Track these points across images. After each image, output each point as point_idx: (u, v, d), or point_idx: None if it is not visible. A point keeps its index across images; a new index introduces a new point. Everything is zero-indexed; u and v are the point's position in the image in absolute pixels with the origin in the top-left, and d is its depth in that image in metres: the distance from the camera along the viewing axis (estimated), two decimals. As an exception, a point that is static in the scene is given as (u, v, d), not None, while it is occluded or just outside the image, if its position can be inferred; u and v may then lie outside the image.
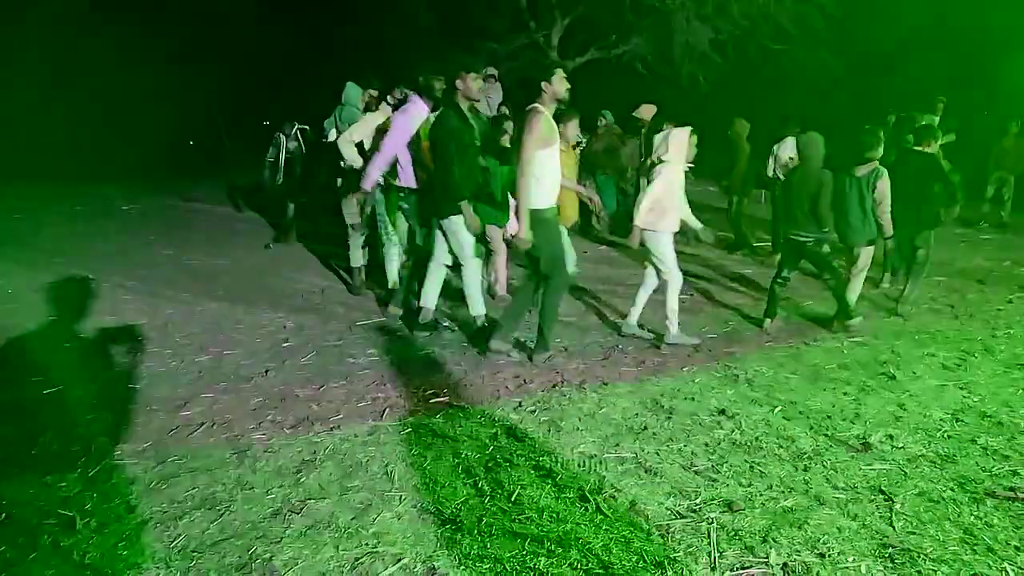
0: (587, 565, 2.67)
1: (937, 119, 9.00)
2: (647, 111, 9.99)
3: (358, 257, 6.93)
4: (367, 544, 2.82)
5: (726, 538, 2.85)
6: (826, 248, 5.65)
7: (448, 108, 5.10)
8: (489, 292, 6.39)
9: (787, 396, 4.38)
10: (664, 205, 5.26)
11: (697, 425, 3.96)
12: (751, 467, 3.46)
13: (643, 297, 5.60)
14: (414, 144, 5.57)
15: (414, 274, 5.89)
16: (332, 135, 7.23)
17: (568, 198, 5.54)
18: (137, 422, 3.96)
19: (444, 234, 5.33)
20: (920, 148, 6.38)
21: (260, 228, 10.71)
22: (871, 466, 3.47)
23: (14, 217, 11.15)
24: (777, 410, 4.16)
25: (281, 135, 9.36)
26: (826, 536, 2.85)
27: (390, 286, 6.45)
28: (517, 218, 4.80)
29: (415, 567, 2.68)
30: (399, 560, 2.71)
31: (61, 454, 3.56)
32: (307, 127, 9.54)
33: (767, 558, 2.71)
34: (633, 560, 2.70)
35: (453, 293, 6.22)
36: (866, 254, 5.97)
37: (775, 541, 2.82)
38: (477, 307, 5.48)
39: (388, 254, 6.44)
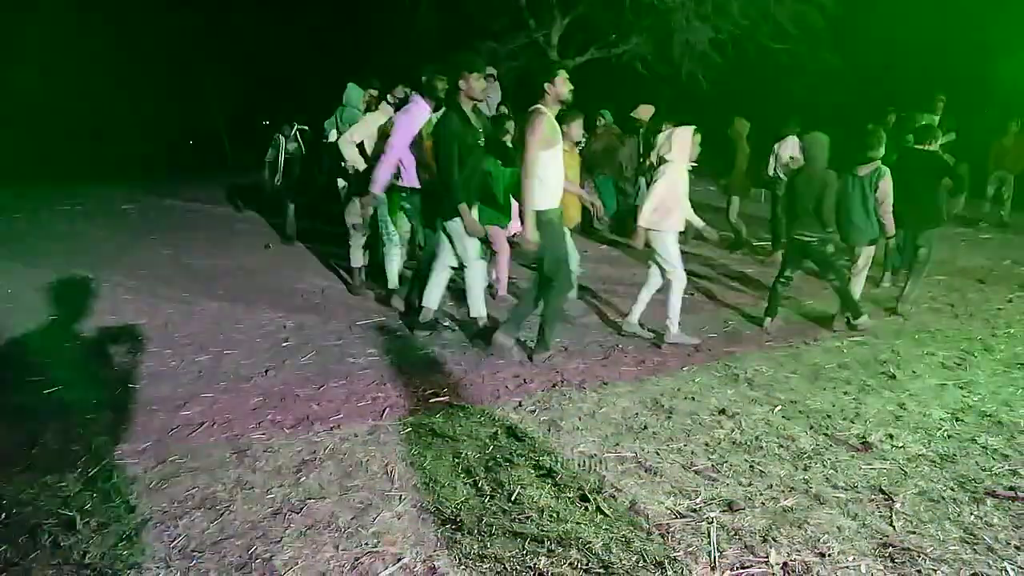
0: (587, 565, 2.67)
1: (937, 118, 9.00)
2: (645, 111, 9.99)
3: (358, 257, 6.93)
4: (367, 544, 2.81)
5: (726, 538, 2.85)
6: (831, 248, 5.64)
7: (450, 108, 5.09)
8: (489, 292, 6.39)
9: (787, 395, 4.38)
10: (668, 204, 5.26)
11: (697, 424, 3.96)
12: (751, 466, 3.46)
13: (645, 296, 5.60)
14: (416, 145, 5.57)
15: (417, 273, 5.89)
16: (332, 135, 7.23)
17: (571, 199, 5.53)
18: (137, 422, 3.96)
19: (448, 235, 5.32)
20: (921, 147, 6.38)
21: (260, 228, 10.71)
22: (871, 465, 3.47)
23: (14, 217, 11.15)
24: (777, 409, 4.16)
25: (280, 136, 9.37)
26: (826, 535, 2.85)
27: (390, 286, 6.46)
28: (522, 220, 4.80)
29: (415, 567, 2.68)
30: (399, 560, 2.71)
31: (61, 454, 3.56)
32: (306, 127, 9.55)
33: (767, 557, 2.71)
34: (633, 560, 2.70)
35: (454, 293, 6.23)
36: (866, 253, 5.97)
37: (775, 540, 2.82)
38: (478, 308, 5.47)
39: (389, 254, 6.44)
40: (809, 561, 2.69)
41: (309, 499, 3.15)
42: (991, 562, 2.69)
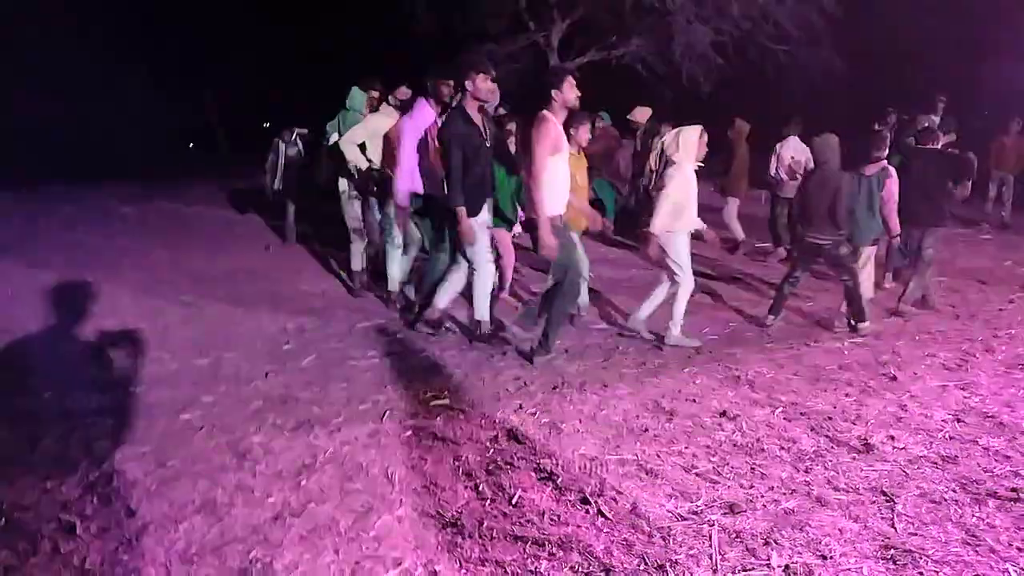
0: (588, 568, 2.66)
1: (938, 119, 9.00)
2: (641, 114, 10.00)
3: (359, 260, 6.93)
4: (368, 548, 2.81)
5: (727, 540, 2.84)
6: (844, 250, 5.64)
7: (455, 111, 5.08)
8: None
9: (788, 397, 4.37)
10: (679, 205, 5.25)
11: (698, 427, 3.95)
12: (752, 469, 3.45)
13: (659, 295, 5.57)
14: (421, 148, 5.57)
15: (422, 275, 5.88)
16: (334, 138, 7.23)
17: (580, 204, 5.52)
18: (137, 426, 3.95)
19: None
20: (925, 147, 6.40)
21: (260, 231, 10.71)
22: (872, 467, 3.46)
23: (13, 220, 11.14)
24: (778, 411, 4.15)
25: (280, 142, 9.37)
26: (828, 538, 2.84)
27: (390, 288, 6.45)
28: (525, 227, 4.80)
29: (416, 571, 2.68)
30: (400, 564, 2.71)
31: (61, 458, 3.56)
32: (306, 130, 9.56)
33: (769, 560, 2.71)
34: (635, 563, 2.69)
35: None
36: (868, 253, 5.97)
37: (777, 543, 2.81)
38: (482, 311, 5.42)
39: (390, 257, 6.43)
40: (811, 563, 2.68)
41: (310, 503, 3.14)
42: (993, 563, 2.68)
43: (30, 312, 5.84)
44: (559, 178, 4.74)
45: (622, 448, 3.67)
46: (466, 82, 4.94)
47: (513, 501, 3.13)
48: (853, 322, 5.69)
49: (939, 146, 6.60)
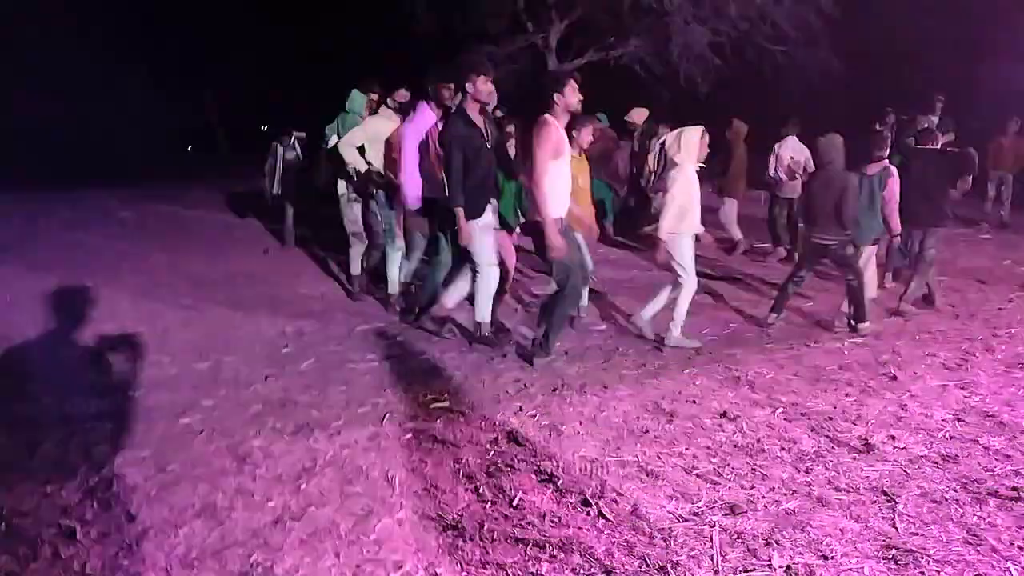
0: (590, 570, 2.66)
1: (936, 119, 9.01)
2: (638, 115, 9.99)
3: (358, 264, 6.93)
4: (368, 551, 2.80)
5: (728, 541, 2.84)
6: (850, 250, 5.64)
7: (456, 113, 5.09)
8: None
9: (788, 398, 4.37)
10: (684, 207, 5.24)
11: (698, 428, 3.95)
12: (753, 469, 3.45)
13: (664, 296, 5.57)
14: (422, 151, 5.58)
15: (426, 278, 5.88)
16: (333, 140, 7.22)
17: (583, 207, 5.52)
18: (137, 430, 3.95)
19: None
20: (925, 147, 6.41)
21: (258, 234, 10.71)
22: (873, 467, 3.46)
23: (12, 224, 11.13)
24: (779, 412, 4.15)
25: (278, 145, 9.37)
26: (829, 538, 2.84)
27: (390, 291, 6.45)
28: (525, 230, 4.80)
29: (417, 574, 2.67)
30: (400, 567, 2.70)
31: (61, 463, 3.55)
32: (304, 134, 9.55)
33: (770, 561, 2.70)
34: (636, 564, 2.69)
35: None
36: (868, 252, 5.97)
37: (778, 543, 2.81)
38: (483, 313, 5.39)
39: (390, 260, 6.43)
40: (812, 564, 2.68)
41: (310, 506, 3.14)
42: (994, 563, 2.68)
43: (29, 316, 5.84)
44: (560, 182, 4.74)
45: (623, 450, 3.67)
46: (467, 84, 4.94)
47: (514, 503, 3.13)
48: (853, 322, 5.69)
49: (938, 146, 6.61)
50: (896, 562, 2.68)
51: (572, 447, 3.70)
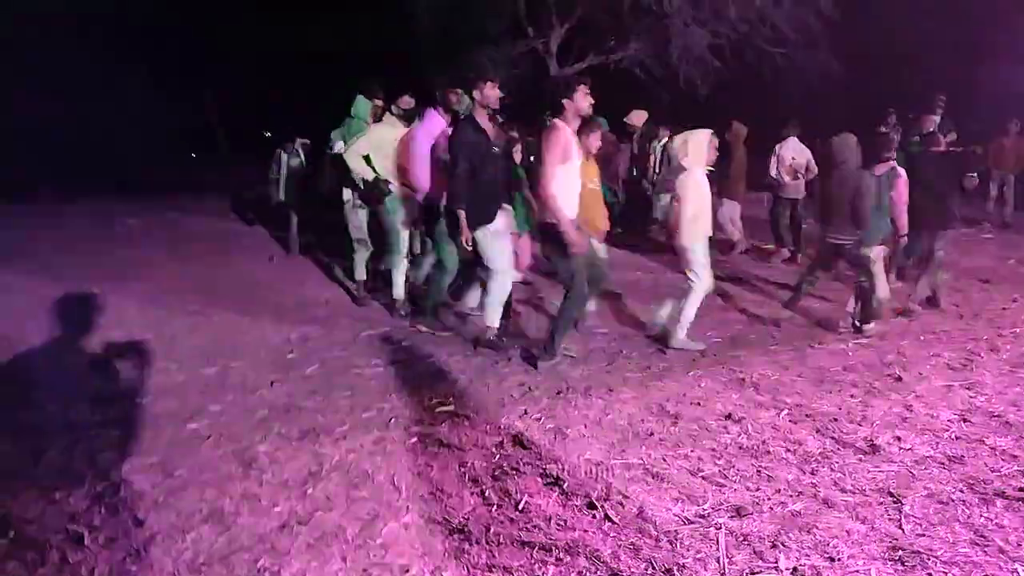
0: (596, 573, 2.66)
1: (938, 119, 9.01)
2: (638, 117, 10.00)
3: (362, 270, 6.93)
4: (375, 555, 2.81)
5: (735, 543, 2.84)
6: (865, 250, 5.64)
7: (465, 119, 5.11)
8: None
9: (793, 399, 4.37)
10: (696, 211, 5.25)
11: (703, 430, 3.95)
12: (758, 471, 3.45)
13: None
14: (431, 156, 5.61)
15: (431, 283, 5.89)
16: (338, 147, 7.23)
17: (596, 209, 5.52)
18: (143, 436, 3.96)
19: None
20: (929, 150, 6.43)
21: (263, 240, 10.73)
22: (879, 468, 3.46)
23: (17, 232, 11.17)
24: (784, 413, 4.15)
25: (282, 152, 9.40)
26: (835, 539, 2.84)
27: (395, 296, 6.46)
28: (538, 233, 4.84)
29: (423, 577, 2.68)
30: (407, 571, 2.71)
31: (68, 469, 3.56)
32: (308, 140, 9.58)
33: (776, 563, 2.70)
34: (642, 567, 2.69)
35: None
36: (875, 253, 5.97)
37: (784, 545, 2.81)
38: (493, 318, 5.40)
39: (396, 265, 6.44)
40: (818, 566, 2.68)
41: (316, 511, 3.14)
42: (1002, 564, 2.68)
43: (34, 323, 5.85)
44: (568, 187, 4.75)
45: (628, 452, 3.67)
46: (474, 91, 4.97)
47: (519, 507, 3.13)
48: (858, 323, 5.69)
49: (942, 148, 6.62)
50: (903, 563, 2.68)
51: (577, 450, 3.70)
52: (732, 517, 3.04)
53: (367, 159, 6.16)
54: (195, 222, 12.91)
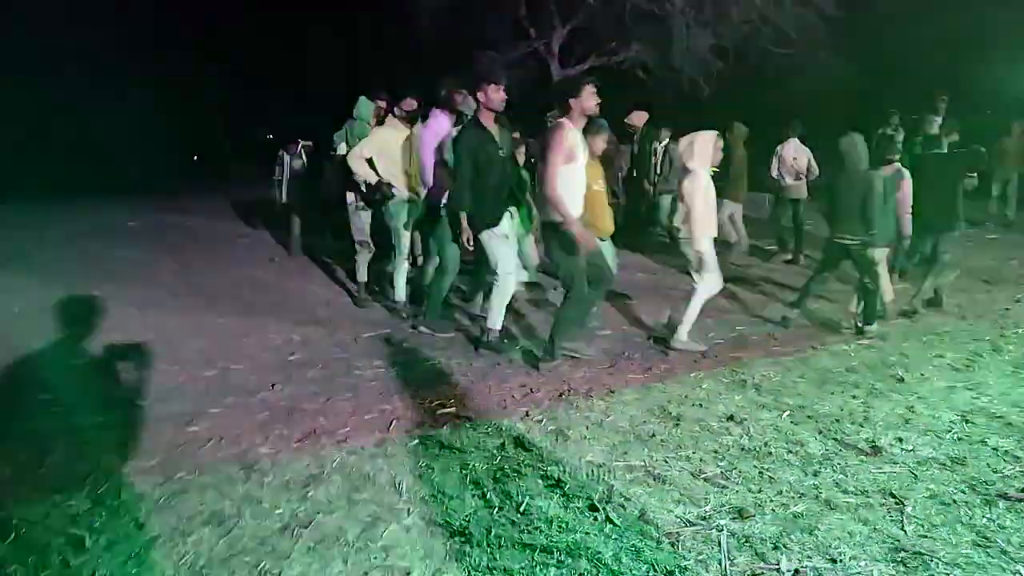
0: (597, 575, 2.65)
1: (940, 119, 9.01)
2: (638, 118, 9.98)
3: (364, 272, 6.94)
4: (376, 558, 2.81)
5: (737, 545, 2.83)
6: (871, 251, 5.64)
7: (470, 121, 5.13)
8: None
9: (795, 400, 4.36)
10: (702, 212, 5.25)
11: (705, 432, 3.94)
12: (760, 473, 3.44)
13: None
14: (436, 157, 5.63)
15: (435, 283, 5.90)
16: (342, 149, 7.23)
17: (602, 210, 5.53)
18: (144, 439, 3.96)
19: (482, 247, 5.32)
20: (933, 152, 6.42)
21: (264, 242, 10.74)
22: (881, 469, 3.45)
23: (18, 235, 11.19)
24: (786, 415, 4.14)
25: (285, 154, 9.42)
26: (837, 541, 2.84)
27: (396, 298, 6.46)
28: (546, 233, 4.85)
29: (424, 580, 2.67)
30: (408, 574, 2.70)
31: (69, 472, 3.56)
32: (310, 143, 9.60)
33: (778, 565, 2.70)
34: (644, 569, 2.68)
35: (458, 299, 6.24)
36: (880, 254, 5.97)
37: (786, 547, 2.80)
38: (495, 320, 5.39)
39: (398, 268, 6.44)
40: (821, 567, 2.67)
41: (317, 514, 3.14)
42: (1004, 565, 2.67)
43: (37, 326, 5.86)
44: (573, 186, 4.74)
45: (629, 454, 3.67)
46: (478, 94, 4.98)
47: (521, 509, 3.13)
48: (861, 324, 5.68)
49: (945, 149, 6.62)
50: (905, 565, 2.68)
51: (579, 452, 3.70)
52: (734, 519, 3.03)
53: (370, 162, 6.16)
54: (196, 224, 12.92)
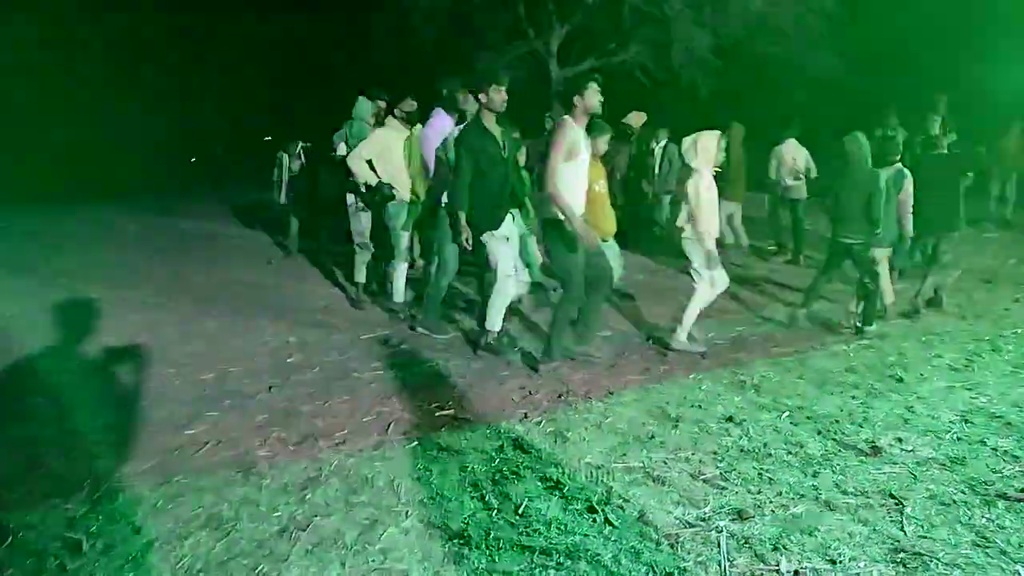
0: (596, 577, 2.65)
1: (939, 118, 9.00)
2: (637, 118, 9.96)
3: (362, 273, 6.92)
4: (374, 560, 2.80)
5: (736, 546, 2.83)
6: (872, 251, 5.63)
7: (472, 121, 5.13)
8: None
9: (794, 401, 4.35)
10: (704, 211, 5.25)
11: (704, 433, 3.93)
12: (760, 474, 3.44)
13: (711, 297, 5.58)
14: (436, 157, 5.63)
15: (434, 283, 5.89)
16: (341, 149, 7.22)
17: (603, 210, 5.52)
18: (141, 442, 3.95)
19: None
20: (932, 153, 6.42)
21: (261, 244, 10.73)
22: (881, 470, 3.44)
23: (15, 238, 11.18)
24: (785, 416, 4.13)
25: (284, 154, 9.41)
26: (837, 542, 2.83)
27: (395, 299, 6.45)
28: (546, 231, 4.85)
29: (423, 583, 2.66)
30: (407, 576, 2.70)
31: (66, 476, 3.55)
32: (309, 144, 9.59)
33: (778, 566, 2.69)
34: (643, 571, 2.67)
35: (459, 300, 6.22)
36: (882, 255, 5.97)
37: (785, 548, 2.80)
38: (494, 322, 5.36)
39: (396, 269, 6.43)
40: (820, 568, 2.67)
41: (315, 516, 3.13)
42: (1004, 565, 2.66)
43: (33, 329, 5.85)
44: (573, 184, 4.73)
45: (628, 456, 3.66)
46: (479, 95, 4.98)
47: (520, 511, 3.12)
48: (860, 324, 5.68)
49: (944, 150, 6.61)
50: (905, 566, 2.67)
51: (578, 454, 3.69)
52: (733, 520, 3.02)
53: (370, 163, 6.15)
54: (192, 226, 12.93)
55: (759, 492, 3.26)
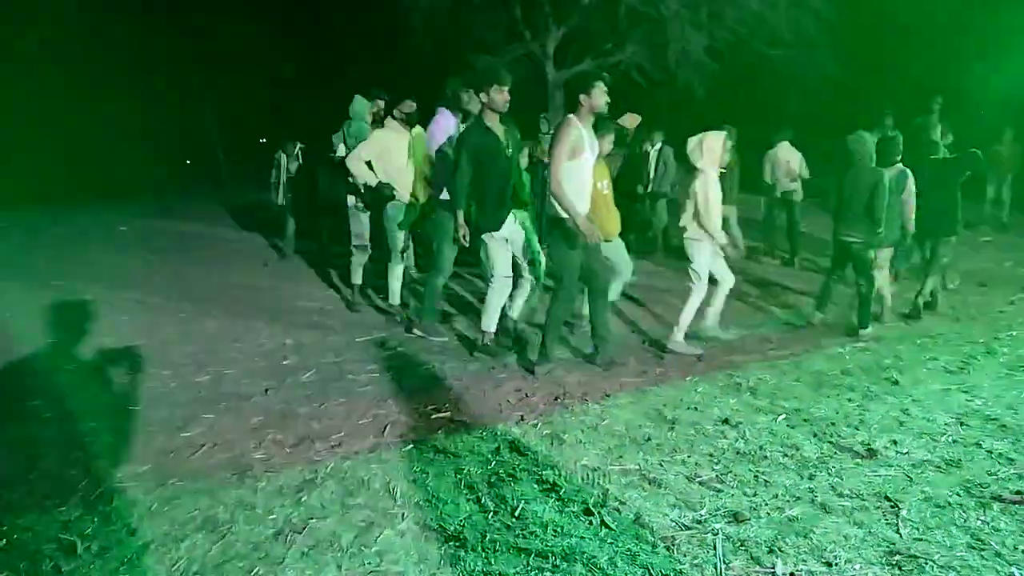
0: (592, 580, 2.65)
1: (936, 121, 9.02)
2: (631, 120, 9.95)
3: (359, 275, 6.91)
4: (370, 563, 2.79)
5: (732, 549, 2.83)
6: (872, 253, 5.63)
7: (475, 122, 5.14)
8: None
9: (791, 404, 4.36)
10: (706, 211, 5.26)
11: (700, 435, 3.94)
12: (756, 476, 3.44)
13: (721, 297, 5.62)
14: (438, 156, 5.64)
15: (429, 284, 5.88)
16: (340, 150, 7.20)
17: (606, 211, 5.52)
18: (137, 444, 3.94)
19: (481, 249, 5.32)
20: (929, 157, 6.44)
21: (257, 246, 10.72)
22: (876, 473, 3.44)
23: (11, 240, 11.15)
24: (781, 418, 4.14)
25: (282, 154, 9.40)
26: (832, 544, 2.83)
27: (391, 301, 6.44)
28: (548, 229, 4.86)
29: (419, 585, 2.66)
30: (402, 579, 2.69)
31: (61, 478, 3.54)
32: (304, 145, 9.59)
33: (773, 568, 2.69)
34: (639, 573, 2.67)
35: (460, 301, 6.22)
36: (883, 256, 5.98)
37: (781, 551, 2.80)
38: (490, 322, 5.37)
39: (393, 270, 6.42)
40: (816, 571, 2.67)
41: (311, 519, 3.12)
42: (999, 568, 2.67)
43: (28, 331, 5.84)
44: (576, 182, 4.72)
45: (624, 458, 3.66)
46: (481, 95, 4.98)
47: (516, 513, 3.12)
48: (858, 326, 5.69)
49: (941, 155, 6.63)
50: (900, 568, 2.67)
51: (574, 456, 3.69)
52: (729, 523, 3.02)
53: (369, 164, 6.14)
54: (188, 228, 12.91)
55: (755, 494, 3.26)
